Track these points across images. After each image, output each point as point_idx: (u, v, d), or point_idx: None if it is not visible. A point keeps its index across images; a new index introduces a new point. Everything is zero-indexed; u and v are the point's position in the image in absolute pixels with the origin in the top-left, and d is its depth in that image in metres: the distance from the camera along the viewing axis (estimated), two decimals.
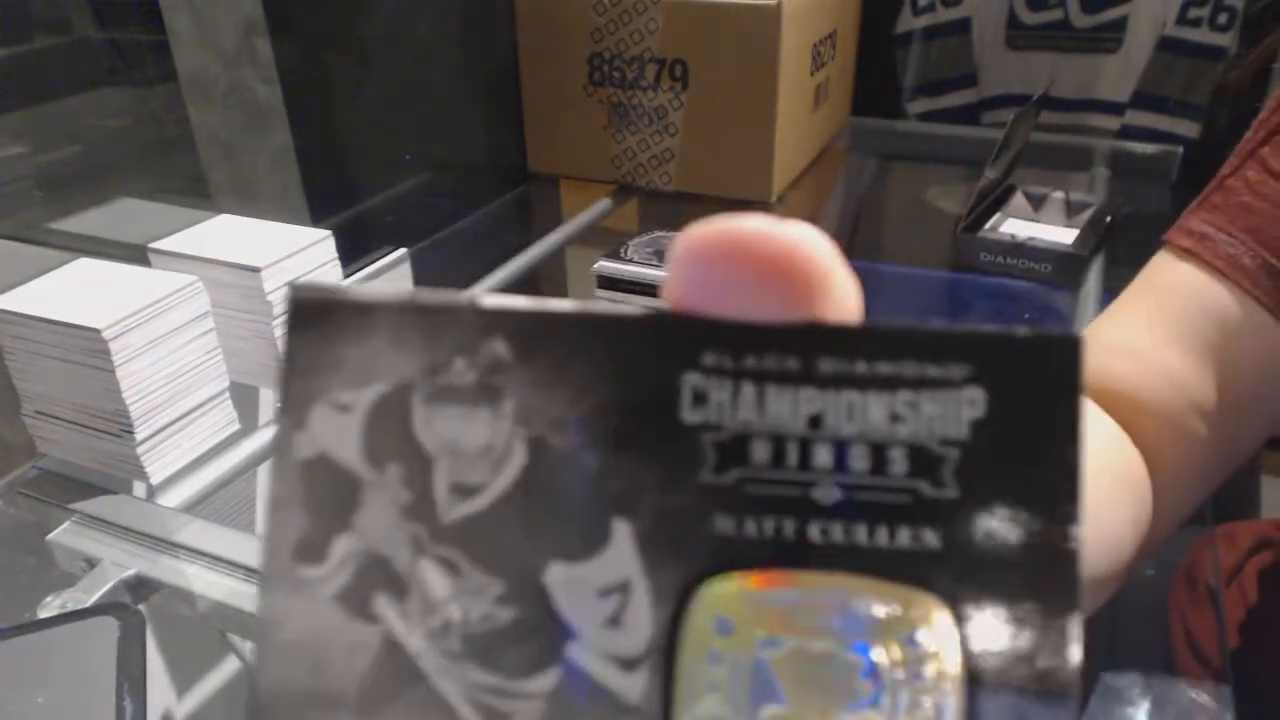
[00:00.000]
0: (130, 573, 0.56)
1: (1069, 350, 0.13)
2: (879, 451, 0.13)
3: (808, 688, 0.12)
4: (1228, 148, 0.45)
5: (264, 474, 0.69)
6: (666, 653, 0.13)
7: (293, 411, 0.13)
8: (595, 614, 0.13)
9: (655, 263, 0.84)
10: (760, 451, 0.13)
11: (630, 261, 0.84)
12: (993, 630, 0.12)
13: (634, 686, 0.12)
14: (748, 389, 0.13)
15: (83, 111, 0.84)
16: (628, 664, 0.13)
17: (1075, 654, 0.12)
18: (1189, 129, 1.28)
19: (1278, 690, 0.57)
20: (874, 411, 0.13)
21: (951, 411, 0.13)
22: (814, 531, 0.13)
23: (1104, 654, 0.51)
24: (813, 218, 1.06)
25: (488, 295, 0.13)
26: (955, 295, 0.94)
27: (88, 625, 0.48)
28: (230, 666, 0.70)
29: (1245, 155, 0.43)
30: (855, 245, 1.07)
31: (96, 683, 0.45)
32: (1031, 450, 0.12)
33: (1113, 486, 0.37)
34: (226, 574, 0.55)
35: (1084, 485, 0.13)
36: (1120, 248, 0.93)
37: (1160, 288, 0.43)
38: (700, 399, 0.13)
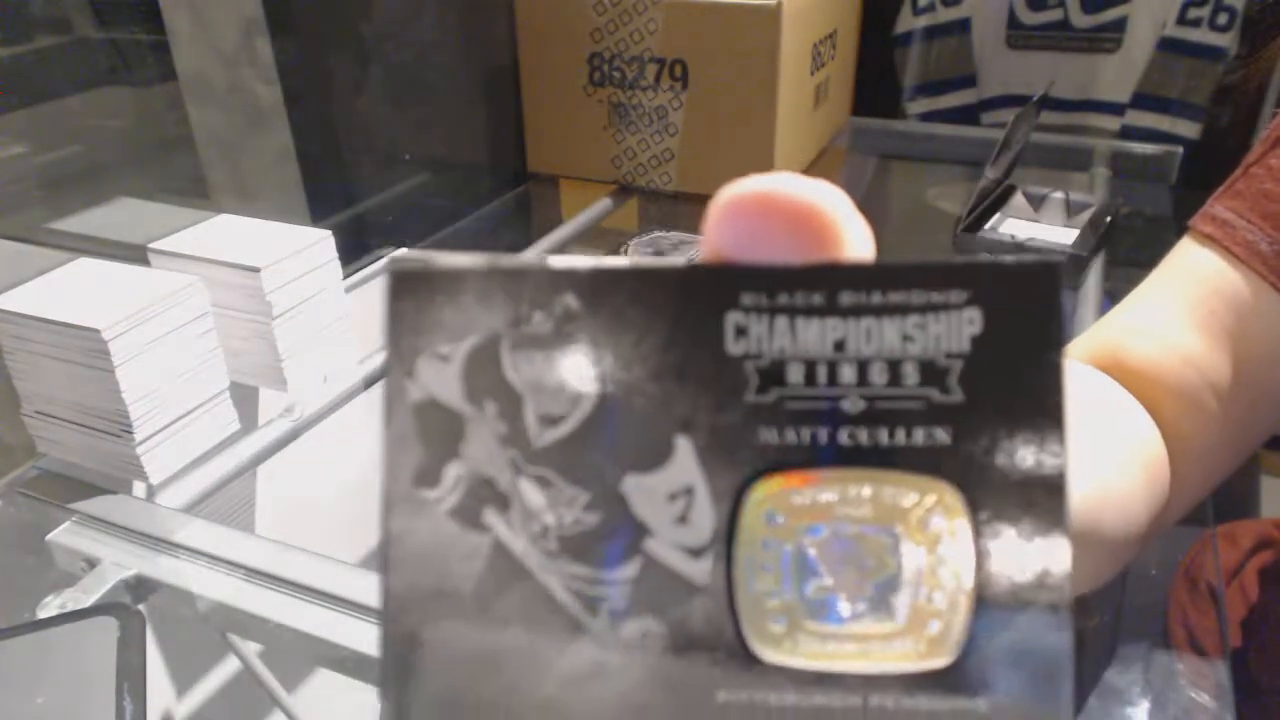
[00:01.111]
0: (130, 573, 0.56)
1: (1050, 274, 0.15)
2: (895, 367, 0.15)
3: (845, 565, 0.15)
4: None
5: (264, 474, 0.69)
6: (726, 542, 0.15)
7: (402, 364, 0.15)
8: (666, 514, 0.15)
9: None
10: (795, 373, 0.15)
11: None
12: (996, 505, 0.15)
13: (701, 570, 0.15)
14: (781, 322, 0.15)
15: (83, 111, 0.84)
16: (695, 553, 0.15)
17: (1062, 519, 0.15)
18: (1189, 129, 1.28)
19: (1278, 690, 0.57)
20: (889, 334, 0.15)
21: (954, 330, 0.15)
22: (843, 436, 0.15)
23: (1104, 654, 0.51)
24: None
25: (555, 258, 0.15)
26: None
27: (88, 625, 0.48)
28: (230, 666, 0.70)
29: (1270, 142, 0.44)
30: None
31: (96, 683, 0.45)
32: (1022, 357, 0.15)
33: (1126, 455, 0.38)
34: (226, 574, 0.55)
35: (1068, 383, 0.15)
36: (1120, 248, 0.93)
37: (1182, 272, 0.45)
38: (742, 333, 0.15)
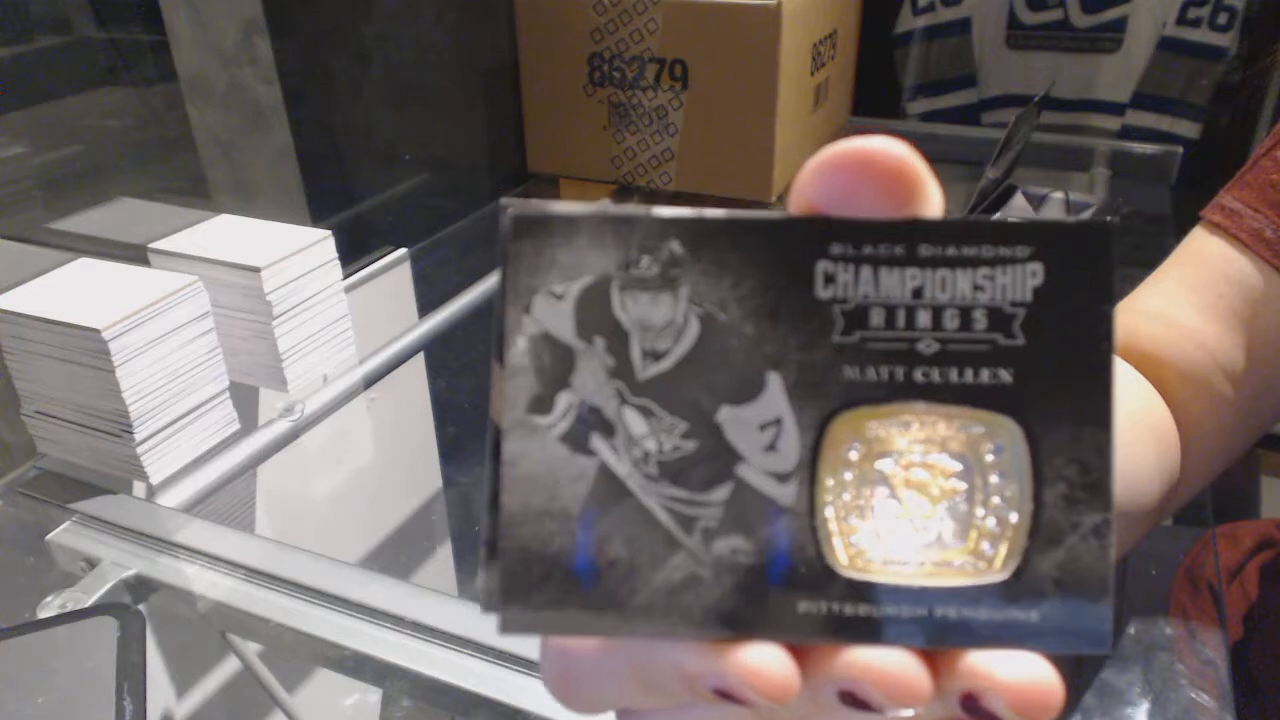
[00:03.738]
0: (130, 573, 0.56)
1: (1104, 232, 0.17)
2: (965, 313, 0.17)
3: (918, 488, 0.17)
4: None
5: (264, 474, 0.69)
6: (810, 468, 0.17)
7: (520, 301, 0.17)
8: (757, 442, 0.17)
9: None
10: (876, 317, 0.17)
11: None
12: (1051, 437, 0.16)
13: (787, 493, 0.17)
14: (866, 270, 0.17)
15: (83, 111, 0.84)
16: (782, 478, 0.17)
17: (1108, 452, 0.16)
18: (1189, 129, 1.28)
19: (1278, 689, 0.57)
20: (961, 283, 0.17)
21: (1018, 281, 0.17)
22: (918, 375, 0.17)
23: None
24: None
25: (661, 207, 0.17)
26: None
27: (88, 625, 0.48)
28: (230, 666, 0.70)
29: (1279, 136, 0.45)
30: None
31: (96, 683, 0.45)
32: (1078, 306, 0.17)
33: (1137, 430, 0.39)
34: (226, 574, 0.55)
35: (1116, 334, 0.16)
36: (1120, 248, 0.93)
37: (1192, 259, 0.46)
38: (830, 279, 0.17)
